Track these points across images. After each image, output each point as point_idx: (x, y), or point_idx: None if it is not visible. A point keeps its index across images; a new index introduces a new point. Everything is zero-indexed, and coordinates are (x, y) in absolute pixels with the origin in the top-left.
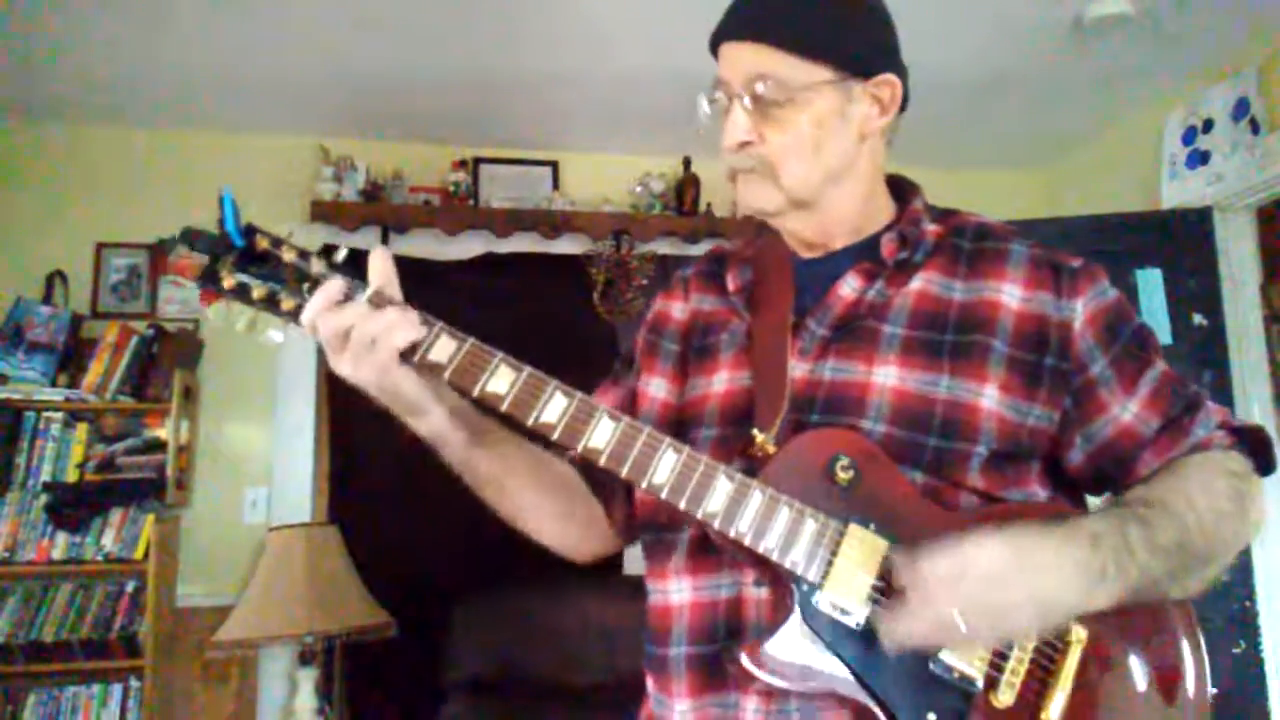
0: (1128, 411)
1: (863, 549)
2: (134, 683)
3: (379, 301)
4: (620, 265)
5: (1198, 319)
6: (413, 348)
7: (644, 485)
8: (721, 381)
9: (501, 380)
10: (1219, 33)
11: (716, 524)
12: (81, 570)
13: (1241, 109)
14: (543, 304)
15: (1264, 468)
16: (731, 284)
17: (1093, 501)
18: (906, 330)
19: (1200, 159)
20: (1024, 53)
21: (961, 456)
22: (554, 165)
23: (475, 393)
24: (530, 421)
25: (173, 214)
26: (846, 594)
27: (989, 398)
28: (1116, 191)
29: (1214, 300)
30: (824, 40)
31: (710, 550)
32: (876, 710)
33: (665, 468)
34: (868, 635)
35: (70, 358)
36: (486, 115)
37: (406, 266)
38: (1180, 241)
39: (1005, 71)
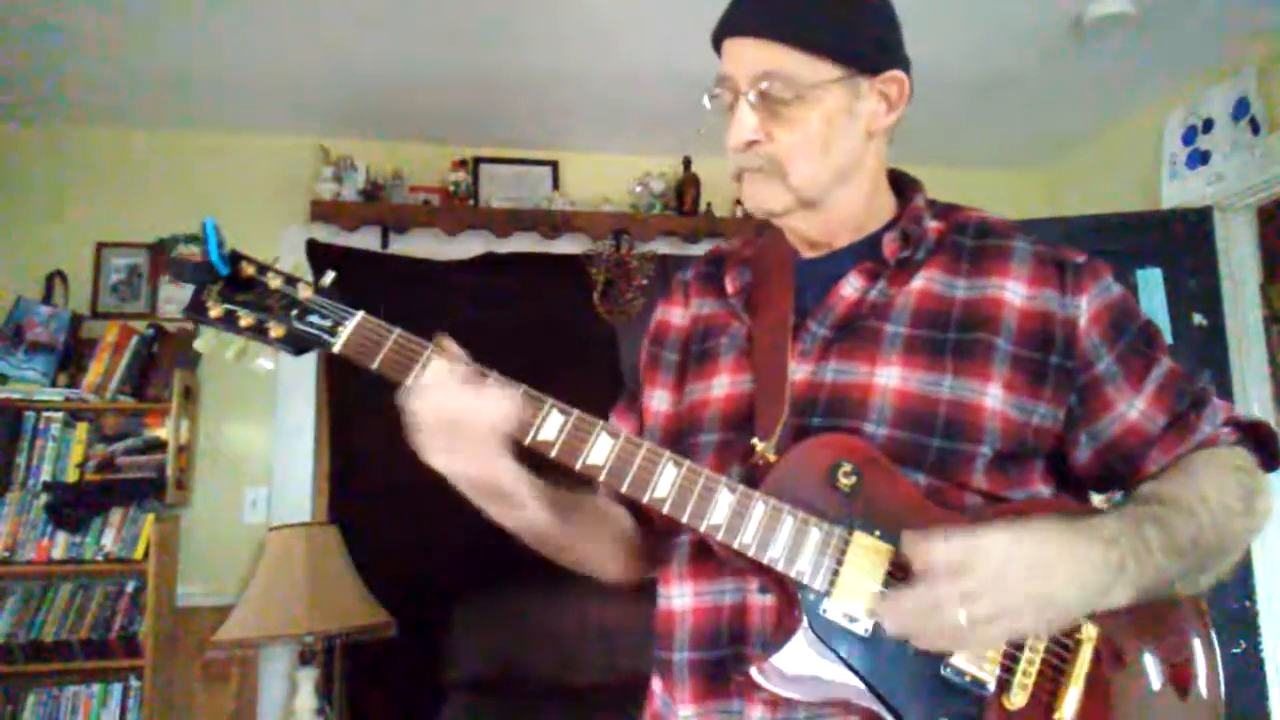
0: (1134, 409)
1: (868, 556)
2: (134, 683)
3: (479, 379)
4: (620, 265)
5: (1198, 319)
6: (520, 430)
7: (645, 500)
8: (722, 386)
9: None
10: (1219, 33)
11: (720, 536)
12: (81, 570)
13: (1241, 109)
14: (543, 304)
15: (1269, 463)
16: (730, 286)
17: (1096, 499)
18: (909, 329)
19: (1200, 159)
20: (1024, 53)
21: (966, 457)
22: (554, 165)
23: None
24: (527, 441)
25: (173, 214)
26: (854, 602)
27: (993, 397)
28: (1116, 191)
29: (1214, 300)
30: (832, 36)
31: (712, 555)
32: (887, 717)
33: (666, 482)
34: (877, 642)
35: (70, 358)
36: (486, 115)
37: (406, 266)
38: (1180, 241)
39: (1005, 71)
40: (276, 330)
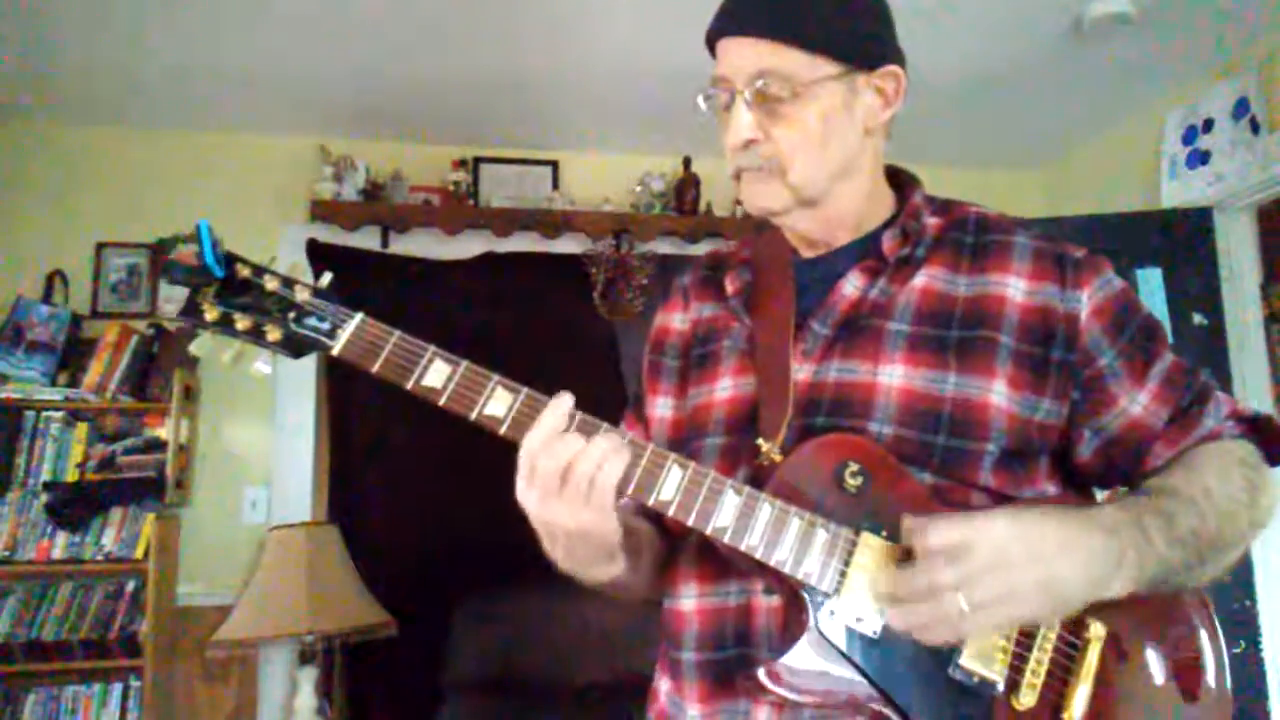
0: (1137, 404)
1: (875, 556)
2: (134, 682)
3: (588, 429)
4: (620, 265)
5: (1198, 319)
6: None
7: (651, 502)
8: (725, 388)
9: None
10: (1219, 33)
11: (726, 539)
12: (81, 570)
13: (1241, 109)
14: (543, 304)
15: (1273, 456)
16: (730, 287)
17: (1100, 496)
18: (912, 327)
19: (1200, 159)
20: (1024, 53)
21: (972, 455)
22: (554, 165)
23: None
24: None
25: (173, 214)
26: (861, 603)
27: (998, 394)
28: (1116, 191)
29: (1214, 300)
30: (828, 33)
31: (716, 556)
32: (895, 718)
33: (672, 485)
34: (885, 643)
35: (70, 358)
36: (486, 115)
37: (406, 266)
38: (1180, 241)
39: (1006, 71)
40: (274, 333)
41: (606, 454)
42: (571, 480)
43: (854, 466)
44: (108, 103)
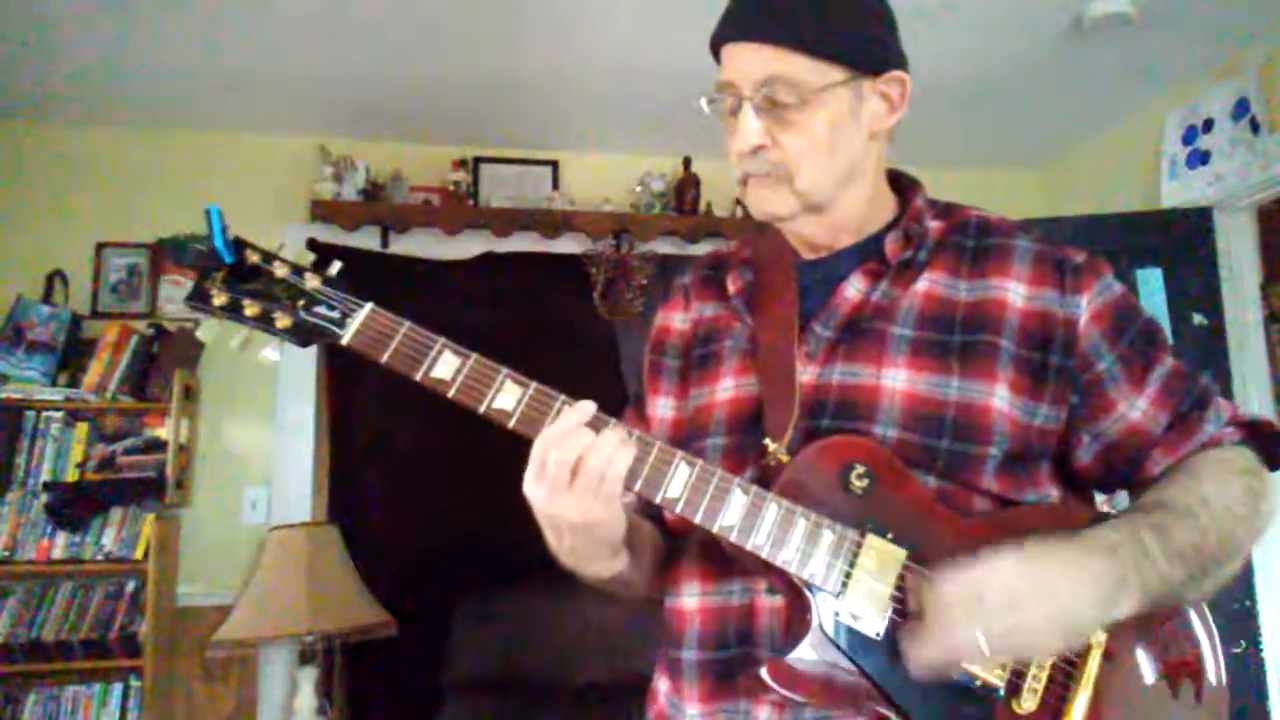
0: (1136, 409)
1: (880, 559)
2: (134, 682)
3: (597, 424)
4: (620, 265)
5: (1198, 319)
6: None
7: (658, 499)
8: (728, 389)
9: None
10: (1219, 33)
11: (732, 538)
12: (81, 570)
13: (1241, 109)
14: (543, 304)
15: (1273, 461)
16: (732, 286)
17: (1100, 499)
18: (914, 332)
19: (1200, 159)
20: (1024, 53)
21: (976, 459)
22: (554, 165)
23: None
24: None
25: (173, 214)
26: (865, 605)
27: (1000, 398)
28: (1116, 191)
29: (1214, 300)
30: (836, 39)
31: (720, 555)
32: None
33: (679, 482)
34: (888, 645)
35: (70, 358)
36: (486, 115)
37: (406, 266)
38: (1180, 241)
39: (1005, 71)
40: (283, 320)
41: (616, 447)
42: (582, 474)
43: (860, 469)
44: (108, 103)
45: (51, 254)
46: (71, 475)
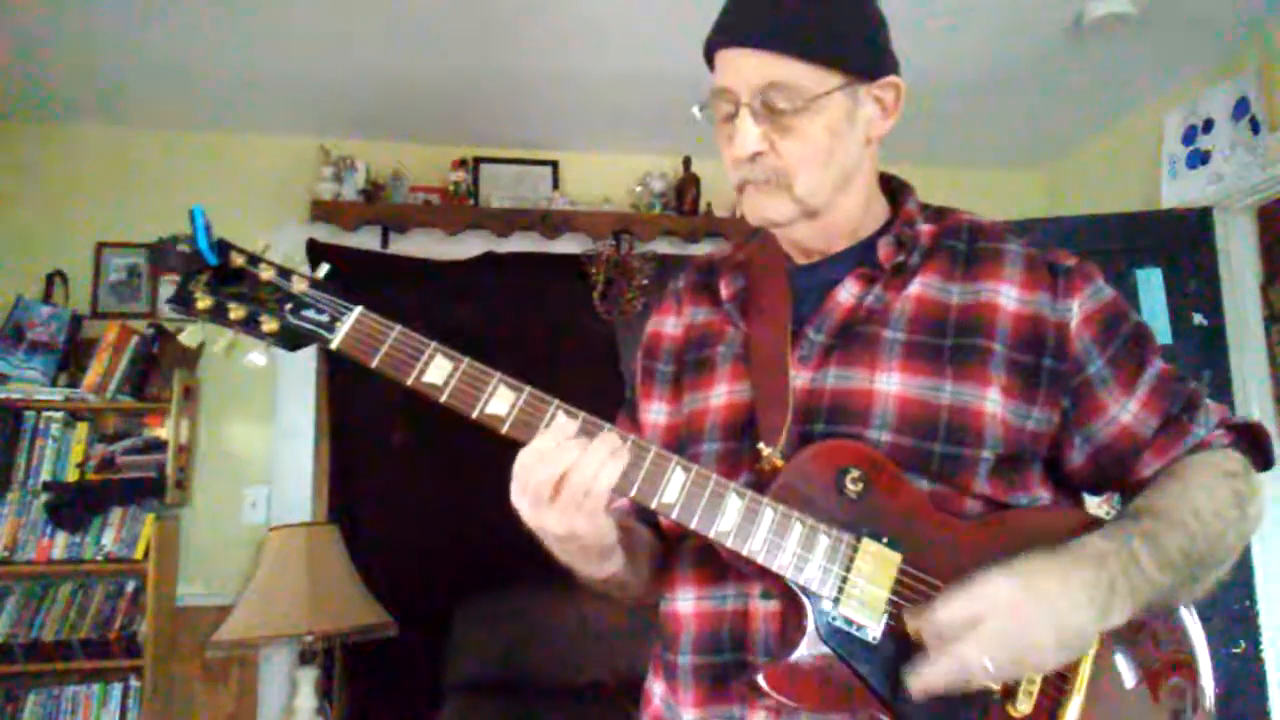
0: (1127, 412)
1: (876, 563)
2: (134, 682)
3: (591, 430)
4: (620, 265)
5: (1198, 319)
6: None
7: (653, 505)
8: (721, 394)
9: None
10: (1219, 33)
11: (729, 543)
12: (81, 570)
13: (1241, 109)
14: (543, 304)
15: (1262, 463)
16: (725, 291)
17: (1091, 502)
18: (907, 335)
19: (1200, 159)
20: (1024, 53)
21: (969, 462)
22: (554, 165)
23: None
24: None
25: (173, 214)
26: (861, 609)
27: (993, 402)
28: (1116, 191)
29: (1214, 300)
30: (833, 45)
31: (714, 559)
32: None
33: (675, 487)
34: (884, 650)
35: (70, 358)
36: (486, 115)
37: (406, 266)
38: (1180, 241)
39: (1005, 71)
40: (269, 324)
41: (604, 461)
42: (565, 491)
43: (855, 473)
44: (108, 103)
45: (51, 254)
46: (71, 475)
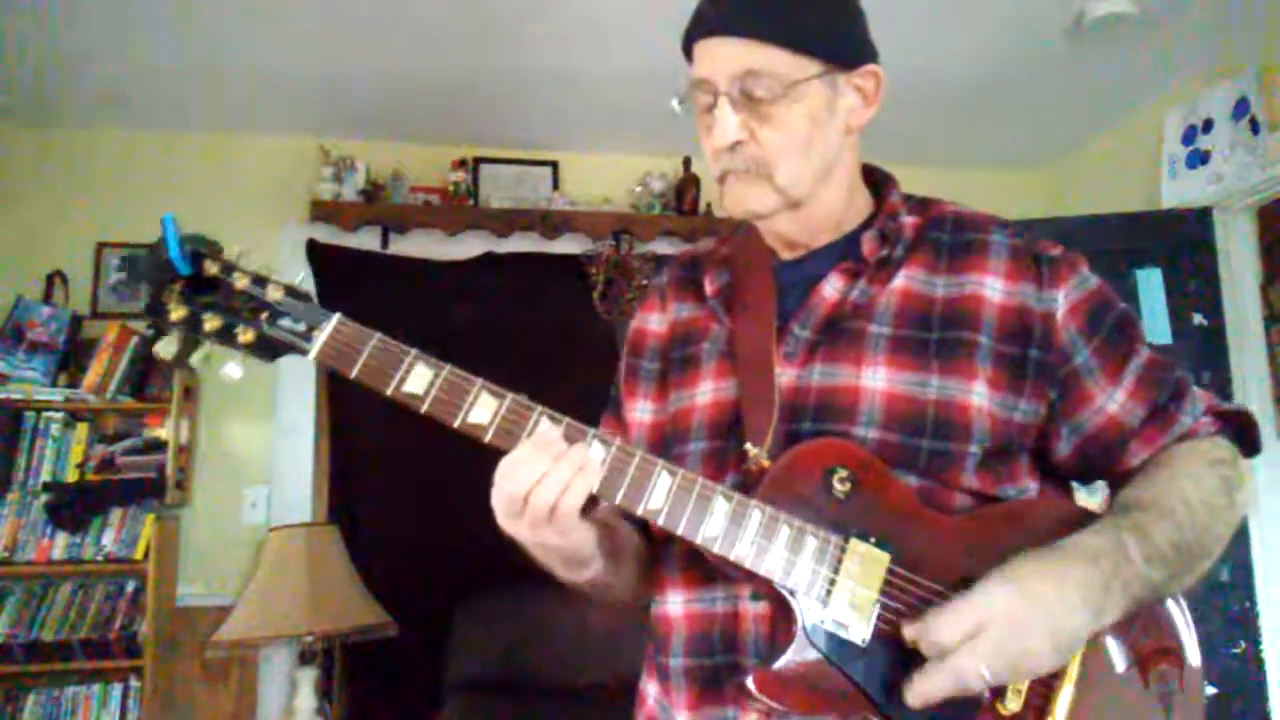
0: (1113, 401)
1: (864, 564)
2: (134, 683)
3: (575, 437)
4: (620, 265)
5: (1198, 319)
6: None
7: (639, 511)
8: (706, 392)
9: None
10: (1219, 33)
11: (715, 549)
12: (81, 570)
13: (1241, 109)
14: (542, 304)
15: (1250, 449)
16: (709, 287)
17: (1080, 492)
18: (893, 330)
19: (1200, 159)
20: (1024, 53)
21: (956, 457)
22: (554, 165)
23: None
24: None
25: (173, 214)
26: (850, 611)
27: (979, 395)
28: (1116, 191)
29: (1214, 300)
30: (811, 32)
31: (703, 561)
32: None
33: (660, 493)
34: (874, 652)
35: (70, 358)
36: (486, 115)
37: (406, 266)
38: (1180, 241)
39: (1005, 71)
40: (245, 335)
41: (567, 481)
42: (530, 506)
43: (842, 472)
44: (108, 103)
45: (51, 254)
46: (71, 475)
